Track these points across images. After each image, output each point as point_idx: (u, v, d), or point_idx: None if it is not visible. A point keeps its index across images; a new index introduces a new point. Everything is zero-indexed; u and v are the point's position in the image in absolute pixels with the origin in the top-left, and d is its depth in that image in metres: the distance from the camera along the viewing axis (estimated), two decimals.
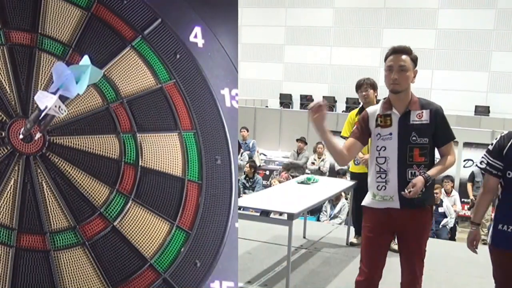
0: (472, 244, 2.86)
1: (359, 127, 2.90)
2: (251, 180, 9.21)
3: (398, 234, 2.96)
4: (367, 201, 2.95)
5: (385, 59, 2.82)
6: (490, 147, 2.84)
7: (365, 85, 4.87)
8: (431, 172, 2.77)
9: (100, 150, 2.40)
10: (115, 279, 2.36)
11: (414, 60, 2.81)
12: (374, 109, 2.89)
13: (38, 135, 2.24)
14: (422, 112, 2.79)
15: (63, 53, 2.34)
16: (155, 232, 2.47)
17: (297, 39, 18.84)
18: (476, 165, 3.29)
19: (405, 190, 2.70)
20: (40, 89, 2.25)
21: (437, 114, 2.80)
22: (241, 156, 9.70)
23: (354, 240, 5.14)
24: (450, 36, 16.90)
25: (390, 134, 2.79)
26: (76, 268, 2.28)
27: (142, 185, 2.47)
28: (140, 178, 2.47)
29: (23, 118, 2.23)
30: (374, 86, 4.89)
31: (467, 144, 9.78)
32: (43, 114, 2.15)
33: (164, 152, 2.54)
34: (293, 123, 12.44)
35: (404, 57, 2.76)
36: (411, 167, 2.77)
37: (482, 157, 2.88)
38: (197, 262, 2.55)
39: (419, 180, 2.71)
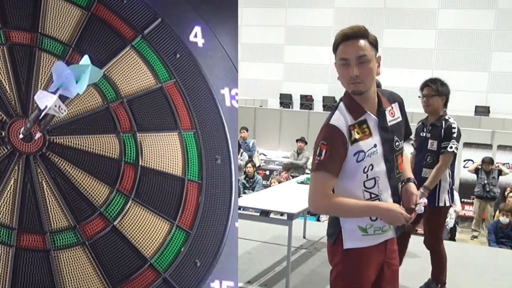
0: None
1: (340, 156, 2.01)
2: (251, 180, 9.21)
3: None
4: (352, 241, 2.10)
5: (334, 49, 2.05)
6: (455, 135, 3.71)
7: None
8: (412, 175, 2.26)
9: (100, 150, 2.40)
10: (115, 278, 2.36)
11: (374, 44, 2.04)
12: (342, 121, 2.04)
13: (38, 135, 2.24)
14: (392, 108, 2.16)
15: (63, 53, 2.35)
16: (155, 231, 2.47)
17: (297, 39, 18.84)
18: (449, 148, 3.72)
19: (418, 204, 2.13)
20: (40, 88, 2.25)
21: (403, 107, 2.24)
22: (241, 156, 9.70)
23: None
24: (450, 36, 16.90)
25: (375, 146, 2.05)
26: (76, 268, 2.28)
27: (142, 184, 2.47)
28: (140, 178, 2.47)
29: (23, 118, 2.23)
30: (378, 86, 4.87)
31: (467, 144, 9.78)
32: (43, 113, 2.15)
33: (164, 151, 2.54)
34: (293, 123, 12.44)
35: (362, 42, 1.99)
36: (399, 180, 2.18)
37: (452, 143, 3.68)
38: (197, 261, 2.55)
39: (415, 189, 2.19)
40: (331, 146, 2.00)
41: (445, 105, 3.84)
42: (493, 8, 16.41)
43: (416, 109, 4.01)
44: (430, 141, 3.75)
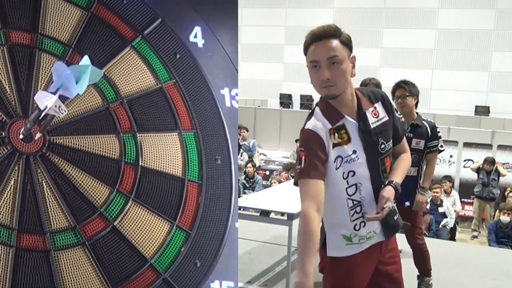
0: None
1: (320, 158, 1.89)
2: (251, 180, 9.21)
3: (376, 276, 2.12)
4: (335, 250, 2.05)
5: (305, 51, 1.92)
6: (440, 134, 3.86)
7: (371, 85, 4.85)
8: (397, 177, 2.04)
9: (100, 150, 2.40)
10: (115, 279, 2.36)
11: (348, 43, 1.90)
12: (319, 126, 1.93)
13: (38, 135, 2.24)
14: (375, 108, 2.01)
15: (63, 53, 2.35)
16: (155, 232, 2.47)
17: (297, 39, 18.74)
18: (440, 146, 3.93)
19: (378, 210, 1.97)
20: (40, 89, 2.25)
21: (389, 103, 2.07)
22: (241, 156, 9.70)
23: None
24: (450, 36, 16.89)
25: (354, 152, 1.93)
26: (76, 268, 2.28)
27: (142, 185, 2.47)
28: (140, 178, 2.47)
29: (23, 118, 2.23)
30: (379, 87, 4.89)
31: (467, 144, 9.79)
32: (43, 114, 2.15)
33: (164, 152, 2.54)
34: (293, 123, 12.42)
35: (332, 42, 1.85)
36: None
37: (441, 141, 3.87)
38: (197, 262, 2.55)
39: (390, 192, 1.98)
40: (308, 151, 1.89)
41: (416, 105, 3.93)
42: (493, 8, 16.40)
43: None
44: (415, 140, 3.83)
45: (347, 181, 1.94)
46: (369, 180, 1.97)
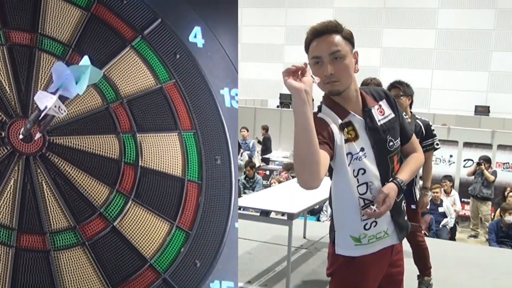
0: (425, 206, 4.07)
1: (324, 141, 1.82)
2: (251, 180, 9.21)
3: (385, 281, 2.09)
4: (344, 249, 2.01)
5: (306, 48, 1.90)
6: (434, 132, 3.92)
7: (372, 85, 4.85)
8: (403, 176, 1.99)
9: (100, 150, 2.40)
10: (115, 279, 2.36)
11: (349, 39, 1.88)
12: (328, 119, 1.91)
13: (38, 135, 2.24)
14: (380, 105, 1.99)
15: (63, 53, 2.34)
16: (155, 232, 2.47)
17: (297, 39, 18.81)
18: (436, 144, 3.97)
19: (373, 205, 1.91)
20: (40, 89, 2.25)
21: (393, 100, 2.05)
22: (241, 156, 9.70)
23: None
24: (450, 36, 16.91)
25: (362, 149, 1.90)
26: (76, 268, 2.28)
27: (142, 185, 2.47)
28: (140, 178, 2.47)
29: (23, 118, 2.23)
30: (379, 86, 4.91)
31: (467, 144, 9.80)
32: (43, 114, 2.15)
33: (164, 152, 2.54)
34: (293, 123, 12.43)
35: (336, 38, 1.84)
36: None
37: (436, 139, 3.90)
38: (197, 262, 2.55)
39: (391, 189, 1.92)
40: (317, 132, 1.76)
41: (410, 106, 3.97)
42: (493, 8, 16.42)
43: (414, 109, 4.05)
44: None
45: (357, 179, 1.91)
46: (378, 179, 1.94)
